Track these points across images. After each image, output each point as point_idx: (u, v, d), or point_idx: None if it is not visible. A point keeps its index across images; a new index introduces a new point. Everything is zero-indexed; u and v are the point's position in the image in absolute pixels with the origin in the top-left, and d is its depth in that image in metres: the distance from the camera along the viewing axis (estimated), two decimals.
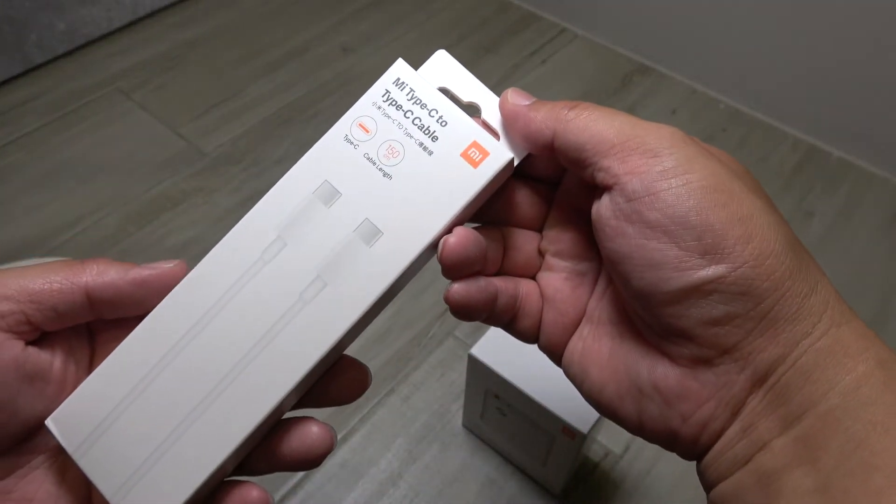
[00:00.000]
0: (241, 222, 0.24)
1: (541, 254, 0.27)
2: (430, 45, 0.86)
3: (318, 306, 0.23)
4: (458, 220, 0.24)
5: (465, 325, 0.58)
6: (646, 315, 0.22)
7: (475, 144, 0.24)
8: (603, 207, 0.22)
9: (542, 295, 0.27)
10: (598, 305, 0.26)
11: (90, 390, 0.23)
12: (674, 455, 0.24)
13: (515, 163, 0.25)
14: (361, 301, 0.24)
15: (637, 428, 0.23)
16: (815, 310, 0.20)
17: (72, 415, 0.23)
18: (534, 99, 0.25)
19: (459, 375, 0.55)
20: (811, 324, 0.20)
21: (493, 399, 0.45)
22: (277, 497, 0.48)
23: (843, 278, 0.63)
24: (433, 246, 0.24)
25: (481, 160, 0.24)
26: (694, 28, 0.79)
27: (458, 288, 0.24)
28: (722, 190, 0.20)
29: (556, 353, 0.27)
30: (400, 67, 0.25)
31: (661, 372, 0.22)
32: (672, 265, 0.20)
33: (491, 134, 0.25)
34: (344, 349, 0.25)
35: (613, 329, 0.25)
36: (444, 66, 0.26)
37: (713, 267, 0.20)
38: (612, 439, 0.51)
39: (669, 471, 0.50)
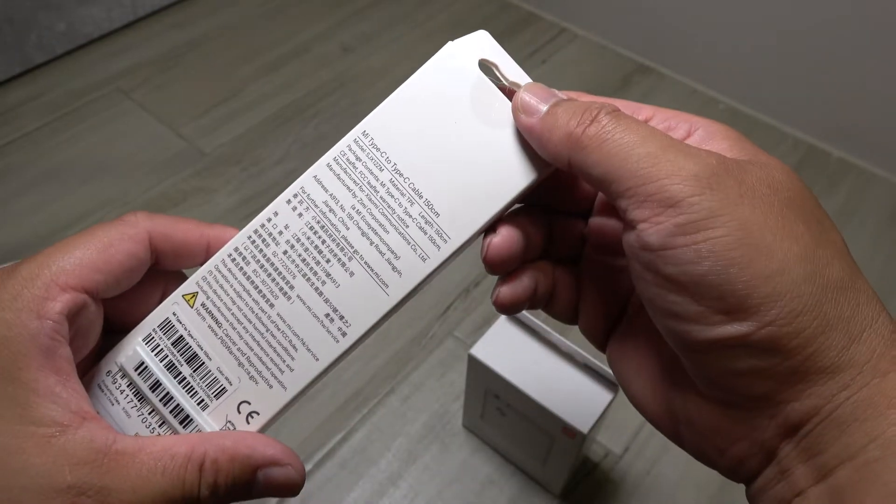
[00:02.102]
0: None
1: (584, 240, 0.26)
2: (430, 46, 0.86)
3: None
4: (501, 214, 0.24)
5: (466, 325, 0.58)
6: (676, 352, 0.21)
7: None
8: (625, 244, 0.21)
9: (580, 283, 0.26)
10: (639, 308, 0.25)
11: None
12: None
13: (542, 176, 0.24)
14: (418, 276, 0.24)
15: (679, 445, 0.23)
16: (856, 360, 0.18)
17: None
18: (551, 99, 0.22)
19: (459, 375, 0.55)
20: (850, 376, 0.18)
21: (493, 399, 0.45)
22: (277, 497, 0.48)
23: None
24: (478, 236, 0.24)
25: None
26: (694, 28, 0.79)
27: (505, 292, 0.24)
28: (749, 244, 0.18)
29: (596, 342, 0.26)
30: (484, 37, 0.24)
31: (694, 405, 0.21)
32: (692, 319, 0.19)
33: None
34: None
35: (651, 341, 0.24)
36: (485, 44, 0.24)
37: (736, 325, 0.18)
38: (612, 439, 0.51)
39: (669, 471, 0.50)
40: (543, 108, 0.22)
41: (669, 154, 0.19)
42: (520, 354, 0.43)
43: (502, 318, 0.45)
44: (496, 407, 0.46)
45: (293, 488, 0.23)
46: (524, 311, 0.41)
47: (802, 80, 0.74)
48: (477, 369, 0.44)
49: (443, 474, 0.50)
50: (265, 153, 0.72)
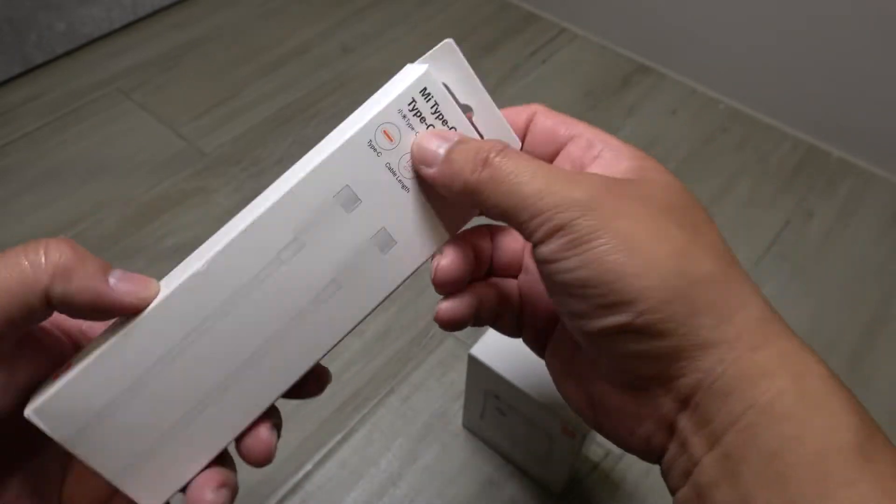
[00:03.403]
0: (257, 219, 0.23)
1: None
2: (430, 46, 0.86)
3: (329, 308, 0.24)
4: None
5: None
6: (583, 346, 0.25)
7: None
8: (528, 252, 0.24)
9: (520, 296, 0.29)
10: None
11: (84, 380, 0.22)
12: None
13: None
14: (367, 304, 0.25)
15: (600, 433, 0.26)
16: (728, 337, 0.21)
17: (60, 406, 0.22)
18: (444, 145, 0.24)
19: (459, 375, 0.55)
20: (724, 351, 0.21)
21: (493, 399, 0.45)
22: (277, 497, 0.48)
23: (842, 278, 0.63)
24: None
25: None
26: (694, 28, 0.79)
27: (446, 308, 0.26)
28: (624, 250, 0.21)
29: (539, 352, 0.30)
30: (428, 78, 0.24)
31: (605, 392, 0.25)
32: (582, 313, 0.23)
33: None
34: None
35: (571, 343, 0.27)
36: (448, 58, 0.25)
37: (618, 316, 0.22)
38: None
39: None
40: (441, 153, 0.24)
41: (555, 187, 0.22)
42: (520, 354, 0.43)
43: None
44: (496, 407, 0.46)
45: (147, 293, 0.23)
46: None
47: (802, 80, 0.74)
48: (477, 369, 0.44)
49: (443, 474, 0.50)
50: (265, 153, 0.72)
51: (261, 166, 0.71)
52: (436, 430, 0.52)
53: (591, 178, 0.23)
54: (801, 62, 0.73)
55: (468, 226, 0.27)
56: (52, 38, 0.80)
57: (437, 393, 0.54)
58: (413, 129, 0.24)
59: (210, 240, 0.24)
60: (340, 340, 0.25)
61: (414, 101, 0.24)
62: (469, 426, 0.51)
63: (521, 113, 0.28)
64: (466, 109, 0.26)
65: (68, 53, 0.83)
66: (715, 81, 0.81)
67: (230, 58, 0.83)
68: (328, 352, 0.25)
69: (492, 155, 0.23)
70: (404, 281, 0.25)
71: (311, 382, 0.27)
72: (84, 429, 0.22)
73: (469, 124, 0.25)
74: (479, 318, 0.28)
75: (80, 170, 0.70)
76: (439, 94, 0.24)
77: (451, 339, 0.57)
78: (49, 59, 0.81)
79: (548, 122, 0.27)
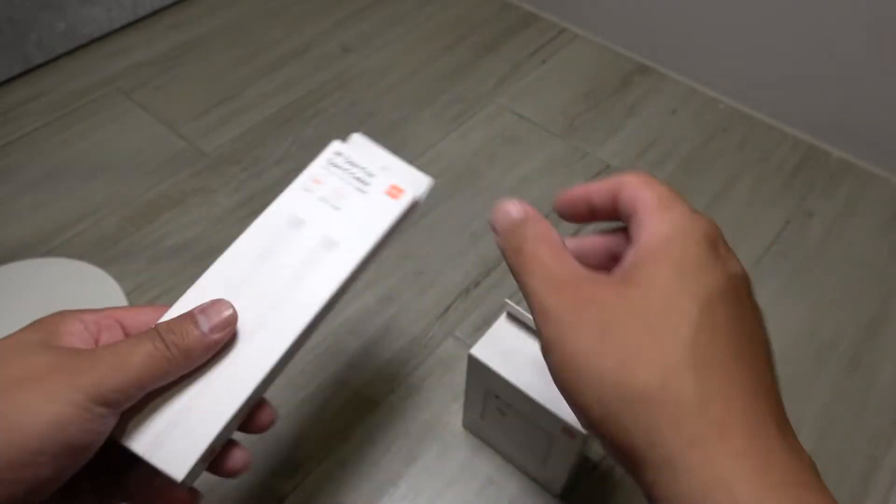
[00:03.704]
0: (228, 250, 0.34)
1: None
2: (430, 45, 0.86)
3: (294, 296, 0.33)
4: (390, 231, 0.36)
5: (466, 325, 0.58)
6: None
7: (394, 187, 0.36)
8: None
9: None
10: None
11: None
12: None
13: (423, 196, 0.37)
14: (324, 293, 0.33)
15: None
16: (656, 459, 0.22)
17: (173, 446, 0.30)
18: (514, 215, 0.29)
19: (459, 375, 0.55)
20: (655, 471, 0.22)
21: (493, 399, 0.45)
22: (277, 497, 0.48)
23: (842, 278, 0.63)
24: (377, 250, 0.35)
25: (399, 195, 0.36)
26: (694, 28, 0.79)
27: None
28: (569, 367, 0.24)
29: None
30: (336, 146, 0.37)
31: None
32: (574, 409, 0.25)
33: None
34: (306, 340, 0.34)
35: None
36: (362, 144, 0.38)
37: (580, 418, 0.24)
38: None
39: None
40: (511, 218, 0.29)
41: (541, 289, 0.26)
42: (520, 354, 0.43)
43: (502, 318, 0.45)
44: (496, 407, 0.46)
45: (231, 319, 0.31)
46: (523, 311, 0.41)
47: (802, 80, 0.74)
48: (477, 369, 0.44)
49: (443, 474, 0.50)
50: (265, 153, 0.72)
51: (261, 166, 0.71)
52: (436, 430, 0.52)
53: (574, 287, 0.25)
54: (801, 62, 0.73)
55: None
56: (52, 38, 0.80)
57: (437, 393, 0.54)
58: (334, 173, 0.37)
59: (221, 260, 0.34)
60: (315, 316, 0.33)
61: (330, 159, 0.37)
62: (469, 426, 0.51)
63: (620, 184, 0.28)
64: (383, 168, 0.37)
65: (68, 53, 0.83)
66: (715, 81, 0.81)
67: (230, 58, 0.83)
68: (306, 326, 0.32)
69: (527, 249, 0.27)
70: (355, 269, 0.34)
71: (259, 419, 0.32)
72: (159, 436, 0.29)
73: (375, 162, 0.37)
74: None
75: (80, 170, 0.70)
76: (346, 150, 0.37)
77: (451, 339, 0.57)
78: (49, 59, 0.81)
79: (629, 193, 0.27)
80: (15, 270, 0.58)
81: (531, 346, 0.44)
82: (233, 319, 0.30)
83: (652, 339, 0.22)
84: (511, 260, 0.27)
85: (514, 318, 0.45)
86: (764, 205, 0.69)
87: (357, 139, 0.38)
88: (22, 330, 0.29)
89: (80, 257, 0.61)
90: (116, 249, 0.62)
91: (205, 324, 0.30)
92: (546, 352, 0.25)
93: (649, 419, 0.22)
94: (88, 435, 0.26)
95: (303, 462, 0.50)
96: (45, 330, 0.29)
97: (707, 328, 0.23)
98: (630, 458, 0.23)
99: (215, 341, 0.30)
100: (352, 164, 0.37)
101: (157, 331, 0.29)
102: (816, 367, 0.57)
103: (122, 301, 0.56)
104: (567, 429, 0.41)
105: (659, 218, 0.25)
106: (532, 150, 0.73)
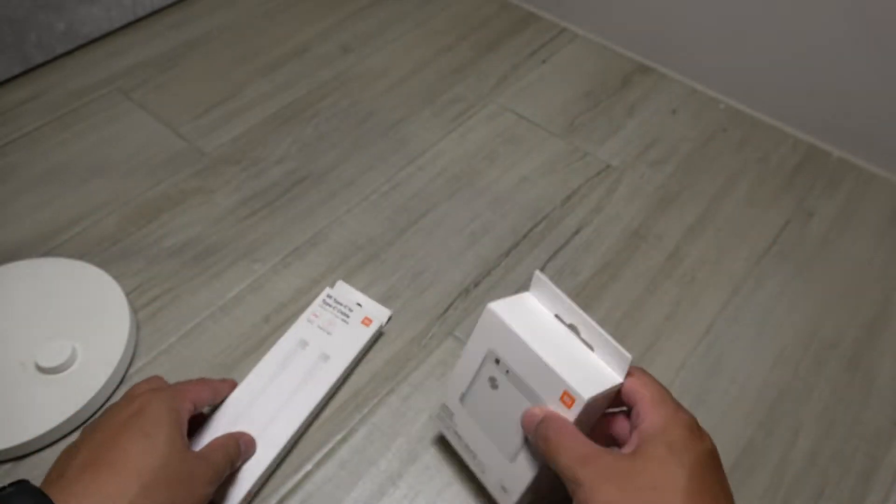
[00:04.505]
0: (255, 367, 0.52)
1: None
2: (430, 45, 0.86)
3: (301, 395, 0.51)
4: (365, 348, 0.56)
5: (466, 325, 0.58)
6: None
7: (366, 318, 0.55)
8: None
9: None
10: None
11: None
12: None
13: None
14: (321, 390, 0.52)
15: None
16: None
17: None
18: (541, 415, 0.40)
19: None
20: None
21: (490, 366, 0.43)
22: (277, 497, 0.48)
23: (843, 278, 0.63)
24: (356, 362, 0.55)
25: (370, 324, 0.55)
26: (694, 28, 0.79)
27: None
28: None
29: None
30: (329, 290, 0.57)
31: None
32: None
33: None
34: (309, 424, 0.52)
35: None
36: (345, 289, 0.59)
37: None
38: None
39: None
40: (536, 418, 0.40)
41: (571, 463, 0.37)
42: (537, 323, 0.42)
43: (529, 293, 0.44)
44: (489, 377, 0.43)
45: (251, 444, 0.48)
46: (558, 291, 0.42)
47: (803, 80, 0.74)
48: (489, 325, 0.42)
49: (443, 474, 0.50)
50: (265, 153, 0.72)
51: (261, 166, 0.71)
52: (436, 430, 0.52)
53: (596, 459, 0.36)
54: (801, 62, 0.73)
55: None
56: (52, 37, 0.80)
57: (438, 393, 0.54)
58: (326, 310, 0.55)
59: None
60: (315, 409, 0.51)
61: (324, 300, 0.56)
62: (441, 417, 0.48)
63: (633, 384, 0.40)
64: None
65: (68, 53, 0.83)
66: (715, 81, 0.81)
67: (230, 58, 0.83)
68: (309, 415, 0.51)
69: (540, 427, 0.39)
70: (342, 375, 0.53)
71: None
72: None
73: (354, 301, 0.57)
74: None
75: (80, 170, 0.70)
76: (336, 293, 0.57)
77: (451, 339, 0.57)
78: (49, 59, 0.81)
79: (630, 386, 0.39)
80: (15, 270, 0.58)
81: (552, 322, 0.43)
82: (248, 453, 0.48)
83: (658, 494, 0.33)
84: (543, 448, 0.38)
85: (543, 295, 0.44)
86: (764, 205, 0.69)
87: (340, 285, 0.59)
88: (162, 404, 0.42)
89: (80, 257, 0.61)
90: (116, 249, 0.62)
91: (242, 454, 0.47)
92: None
93: None
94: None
95: (303, 462, 0.50)
96: (180, 429, 0.42)
97: (696, 485, 0.33)
98: None
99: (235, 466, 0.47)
100: (338, 303, 0.56)
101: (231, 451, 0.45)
102: (816, 367, 0.57)
103: (121, 301, 0.56)
104: (568, 394, 0.39)
105: (654, 412, 0.37)
106: (532, 150, 0.73)
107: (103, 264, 0.60)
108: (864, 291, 0.63)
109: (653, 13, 0.82)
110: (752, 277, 0.63)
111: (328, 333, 0.54)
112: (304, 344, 0.53)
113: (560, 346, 0.41)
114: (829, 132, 0.75)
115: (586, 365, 0.40)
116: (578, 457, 0.36)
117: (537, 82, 0.82)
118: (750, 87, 0.78)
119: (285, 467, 0.49)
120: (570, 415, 0.38)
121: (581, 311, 0.41)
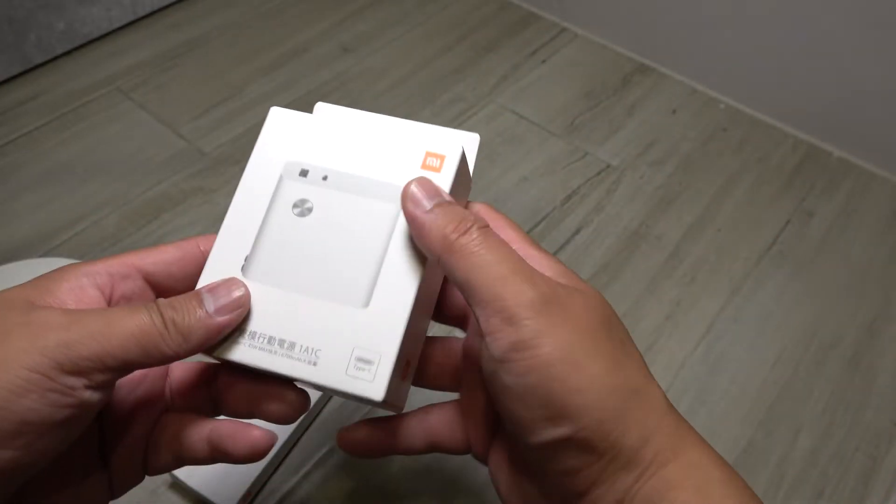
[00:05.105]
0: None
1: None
2: (430, 45, 0.86)
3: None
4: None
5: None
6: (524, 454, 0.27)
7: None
8: (481, 354, 0.26)
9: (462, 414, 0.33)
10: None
11: None
12: None
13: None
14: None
15: None
16: (644, 458, 0.23)
17: None
18: (436, 198, 0.26)
19: None
20: (641, 470, 0.23)
21: (292, 187, 0.35)
22: (277, 497, 0.48)
23: (843, 278, 0.63)
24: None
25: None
26: (694, 28, 0.79)
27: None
28: (566, 362, 0.23)
29: (482, 460, 0.32)
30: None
31: (536, 498, 0.27)
32: (525, 424, 0.24)
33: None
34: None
35: (515, 452, 0.29)
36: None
37: (559, 429, 0.23)
38: None
39: None
40: (427, 204, 0.26)
41: (517, 278, 0.24)
42: (342, 118, 0.34)
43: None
44: (294, 203, 0.32)
45: (242, 301, 0.27)
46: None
47: (802, 80, 0.74)
48: (281, 126, 0.34)
49: (443, 474, 0.50)
50: None
51: None
52: None
53: (544, 281, 0.25)
54: (801, 62, 0.73)
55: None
56: (52, 37, 0.80)
57: (438, 392, 0.54)
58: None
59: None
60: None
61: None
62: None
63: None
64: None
65: (68, 53, 0.83)
66: (715, 81, 0.81)
67: (230, 58, 0.83)
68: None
69: (474, 227, 0.25)
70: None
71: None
72: None
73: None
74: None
75: (80, 170, 0.70)
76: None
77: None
78: (49, 59, 0.81)
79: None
80: (15, 270, 0.58)
81: (357, 117, 0.34)
82: (244, 301, 0.27)
83: (622, 348, 0.26)
84: (451, 241, 0.26)
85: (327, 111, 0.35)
86: (764, 205, 0.69)
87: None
88: (15, 286, 0.24)
89: (80, 257, 0.61)
90: (116, 249, 0.62)
91: (210, 304, 0.26)
92: (530, 346, 0.23)
93: (643, 415, 0.24)
94: (53, 408, 0.22)
95: (302, 462, 0.50)
96: (38, 286, 0.24)
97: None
98: (612, 467, 0.24)
99: (220, 324, 0.26)
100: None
101: (157, 304, 0.25)
102: (816, 367, 0.57)
103: None
104: (435, 151, 0.29)
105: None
106: (532, 150, 0.73)
107: None
108: (864, 291, 0.63)
109: (653, 13, 0.82)
110: (752, 277, 0.63)
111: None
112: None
113: (389, 122, 0.34)
114: (829, 132, 0.75)
115: (432, 129, 0.32)
116: (524, 271, 0.24)
117: (537, 82, 0.82)
118: (750, 87, 0.78)
119: (285, 468, 0.49)
120: (444, 182, 0.27)
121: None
